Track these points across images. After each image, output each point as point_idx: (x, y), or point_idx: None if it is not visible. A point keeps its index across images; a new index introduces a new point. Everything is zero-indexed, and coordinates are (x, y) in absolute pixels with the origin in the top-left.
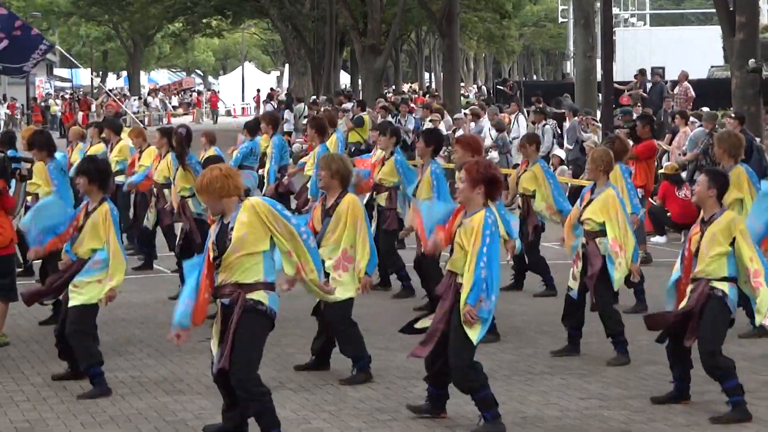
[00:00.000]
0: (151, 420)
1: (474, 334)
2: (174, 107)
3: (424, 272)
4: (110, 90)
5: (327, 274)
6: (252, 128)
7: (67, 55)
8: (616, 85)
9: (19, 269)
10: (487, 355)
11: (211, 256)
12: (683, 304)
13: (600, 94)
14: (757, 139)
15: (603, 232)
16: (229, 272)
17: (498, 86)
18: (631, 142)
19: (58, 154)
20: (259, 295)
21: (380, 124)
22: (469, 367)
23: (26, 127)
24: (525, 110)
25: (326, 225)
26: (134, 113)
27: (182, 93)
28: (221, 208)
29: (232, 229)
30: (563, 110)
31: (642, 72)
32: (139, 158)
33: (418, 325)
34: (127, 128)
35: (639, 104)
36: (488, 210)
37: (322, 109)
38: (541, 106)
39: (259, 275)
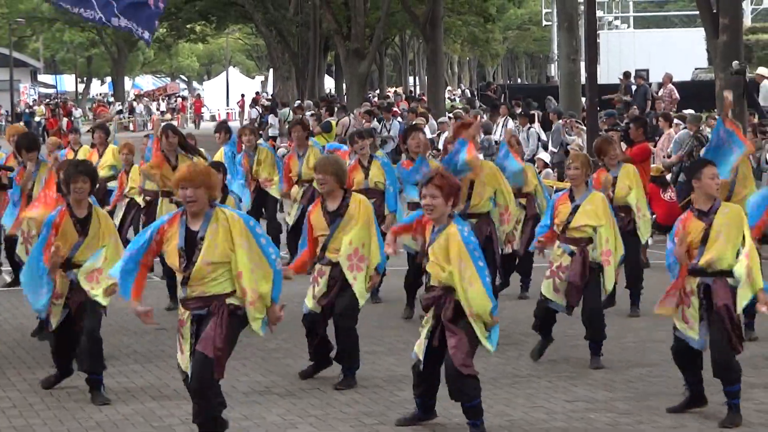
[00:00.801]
0: (138, 425)
1: (489, 344)
2: (162, 112)
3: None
4: (95, 96)
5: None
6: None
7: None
8: (604, 89)
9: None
10: (474, 358)
11: (178, 265)
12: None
13: (584, 97)
14: None
15: (591, 239)
16: (202, 285)
17: (482, 92)
18: (624, 145)
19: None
20: (237, 299)
21: (350, 135)
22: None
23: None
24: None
25: (337, 226)
26: (120, 119)
27: (169, 98)
28: (198, 209)
29: (202, 239)
30: (532, 112)
31: (626, 75)
32: (127, 174)
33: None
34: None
35: (635, 106)
36: (457, 221)
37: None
38: (519, 111)
39: (232, 285)
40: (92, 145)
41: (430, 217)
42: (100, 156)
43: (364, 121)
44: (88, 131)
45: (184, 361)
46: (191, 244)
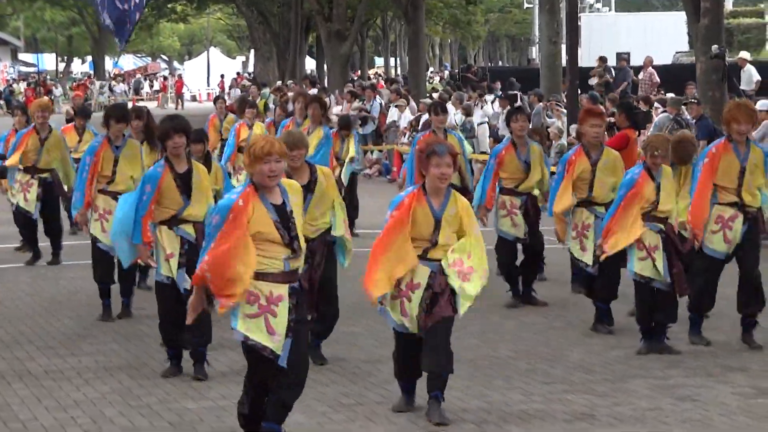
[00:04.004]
0: (116, 404)
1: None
2: (156, 92)
3: None
4: (75, 74)
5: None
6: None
7: None
8: (585, 72)
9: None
10: (452, 339)
11: (283, 241)
12: None
13: (565, 80)
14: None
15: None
16: (302, 258)
17: (463, 74)
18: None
19: None
20: None
21: (433, 107)
22: None
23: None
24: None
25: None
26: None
27: (151, 78)
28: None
29: (291, 212)
30: (515, 92)
31: (602, 59)
32: None
33: None
34: None
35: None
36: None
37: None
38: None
39: None
40: None
41: (446, 185)
42: None
43: (346, 101)
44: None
45: (275, 341)
46: (284, 217)
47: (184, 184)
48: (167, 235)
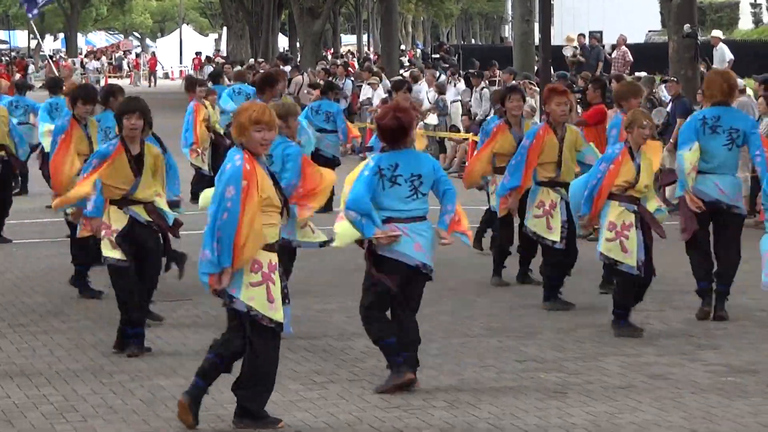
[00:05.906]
0: (88, 381)
1: None
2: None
3: None
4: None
5: None
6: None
7: None
8: (558, 50)
9: None
10: (424, 316)
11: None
12: None
13: (538, 58)
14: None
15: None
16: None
17: (435, 52)
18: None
19: None
20: None
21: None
22: None
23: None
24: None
25: None
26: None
27: (120, 54)
28: None
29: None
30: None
31: (582, 36)
32: None
33: None
34: None
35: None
36: None
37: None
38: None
39: None
40: None
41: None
42: None
43: (319, 78)
44: (41, 87)
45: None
46: (277, 185)
47: (137, 166)
48: (115, 214)
